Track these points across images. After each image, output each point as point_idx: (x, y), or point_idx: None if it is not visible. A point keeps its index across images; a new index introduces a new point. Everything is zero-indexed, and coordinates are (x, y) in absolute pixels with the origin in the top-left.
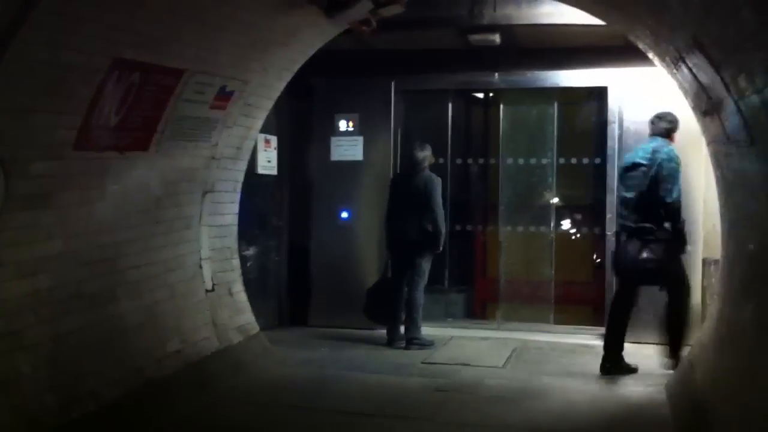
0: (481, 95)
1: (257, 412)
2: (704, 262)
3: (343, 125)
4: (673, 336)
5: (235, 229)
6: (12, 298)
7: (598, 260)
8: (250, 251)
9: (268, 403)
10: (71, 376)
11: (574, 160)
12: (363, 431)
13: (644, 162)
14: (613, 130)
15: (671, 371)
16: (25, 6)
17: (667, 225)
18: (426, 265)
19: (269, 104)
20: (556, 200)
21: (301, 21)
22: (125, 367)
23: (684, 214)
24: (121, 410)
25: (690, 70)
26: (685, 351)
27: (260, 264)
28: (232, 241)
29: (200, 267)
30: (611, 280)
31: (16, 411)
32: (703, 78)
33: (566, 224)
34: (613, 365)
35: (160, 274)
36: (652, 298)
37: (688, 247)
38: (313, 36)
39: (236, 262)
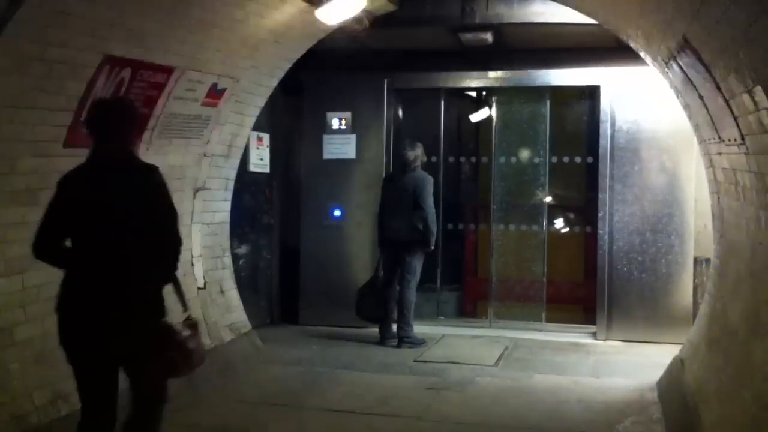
0: (473, 94)
1: (247, 411)
2: (696, 261)
3: (335, 123)
4: None
5: (226, 227)
6: (0, 295)
7: None
8: (242, 249)
9: (257, 401)
10: (59, 373)
11: (566, 159)
12: (353, 429)
13: None
14: (606, 129)
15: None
16: (12, 1)
17: None
18: (417, 264)
19: (261, 102)
20: (548, 199)
21: (291, 19)
22: None
23: (676, 213)
24: None
25: (681, 69)
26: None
27: (251, 262)
28: (224, 239)
29: (192, 265)
30: (603, 279)
31: (4, 408)
32: (695, 77)
33: (559, 223)
34: None
35: None
36: (643, 298)
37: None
38: (305, 34)
39: (228, 260)
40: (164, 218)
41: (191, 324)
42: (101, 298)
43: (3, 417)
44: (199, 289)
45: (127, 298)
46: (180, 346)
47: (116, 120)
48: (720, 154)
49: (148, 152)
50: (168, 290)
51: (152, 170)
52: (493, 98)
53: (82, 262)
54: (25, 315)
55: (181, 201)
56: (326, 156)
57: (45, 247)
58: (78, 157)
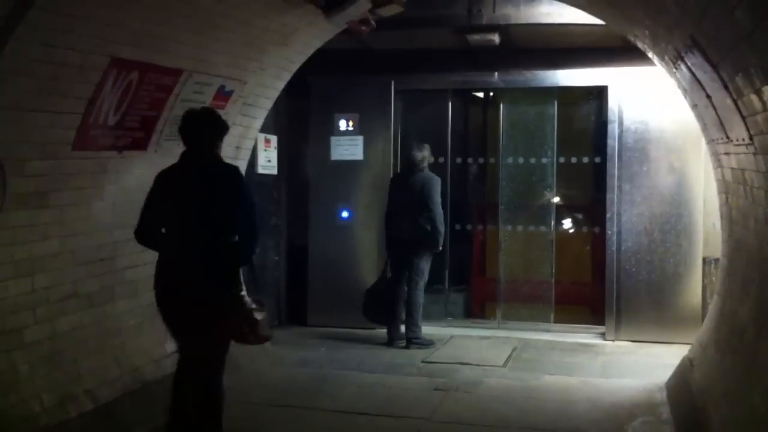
0: (481, 95)
1: (255, 412)
2: (704, 261)
3: (343, 125)
4: None
5: None
6: (9, 298)
7: None
8: None
9: (265, 402)
10: (68, 375)
11: (574, 160)
12: (361, 430)
13: None
14: (613, 129)
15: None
16: (20, 4)
17: None
18: (425, 265)
19: (268, 104)
20: (556, 199)
21: (298, 20)
22: (122, 367)
23: (684, 213)
24: (117, 410)
25: (689, 69)
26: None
27: (259, 263)
28: None
29: None
30: (612, 279)
31: (13, 409)
32: (702, 77)
33: (566, 223)
34: None
35: None
36: (652, 298)
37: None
38: (312, 36)
39: None
40: (242, 209)
41: (259, 300)
42: (187, 274)
43: (12, 418)
44: None
45: (209, 275)
46: (248, 316)
47: (201, 127)
48: (728, 154)
49: (156, 154)
50: None
51: (232, 169)
52: (501, 99)
53: (174, 245)
54: (34, 317)
55: None
56: (334, 157)
57: (144, 233)
58: (87, 159)
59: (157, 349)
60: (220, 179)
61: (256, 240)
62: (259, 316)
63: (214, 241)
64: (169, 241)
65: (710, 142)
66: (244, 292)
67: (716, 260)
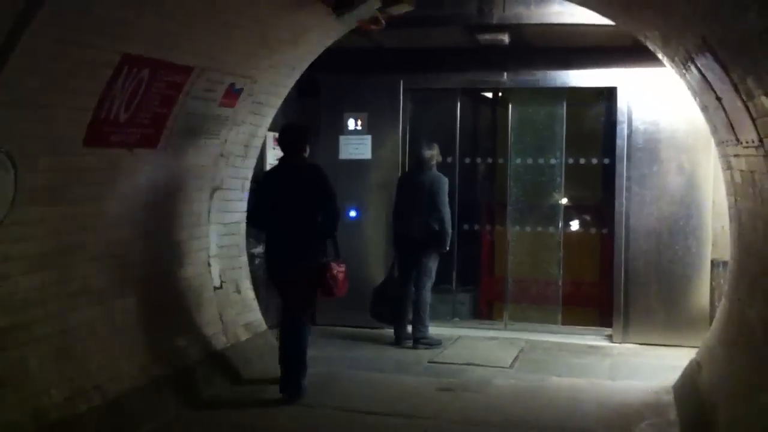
0: (489, 94)
1: (263, 409)
2: (713, 263)
3: (351, 124)
4: None
5: (243, 226)
6: (20, 293)
7: None
8: (258, 249)
9: (274, 399)
10: (78, 370)
11: (582, 160)
12: (369, 430)
13: None
14: (623, 130)
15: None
16: (32, 2)
17: None
18: (432, 265)
19: (278, 102)
20: (564, 200)
21: (309, 19)
22: (132, 363)
23: (693, 215)
24: (126, 405)
25: (699, 70)
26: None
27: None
28: (240, 238)
29: (208, 264)
30: (619, 281)
31: (23, 404)
32: (712, 79)
33: (574, 224)
34: None
35: (168, 270)
36: (660, 301)
37: None
38: (322, 34)
39: (244, 259)
40: (327, 197)
41: (340, 263)
42: (288, 247)
43: (22, 412)
44: (215, 288)
45: (303, 247)
46: (333, 275)
47: (293, 138)
48: (738, 156)
49: (167, 152)
50: None
51: (317, 167)
52: (510, 99)
53: (280, 227)
54: (44, 312)
55: (199, 201)
56: (342, 156)
57: (256, 218)
58: (98, 156)
59: (167, 345)
60: (310, 175)
61: (337, 219)
62: (341, 275)
63: (309, 221)
64: (277, 224)
65: (720, 144)
66: (329, 258)
67: (725, 263)
